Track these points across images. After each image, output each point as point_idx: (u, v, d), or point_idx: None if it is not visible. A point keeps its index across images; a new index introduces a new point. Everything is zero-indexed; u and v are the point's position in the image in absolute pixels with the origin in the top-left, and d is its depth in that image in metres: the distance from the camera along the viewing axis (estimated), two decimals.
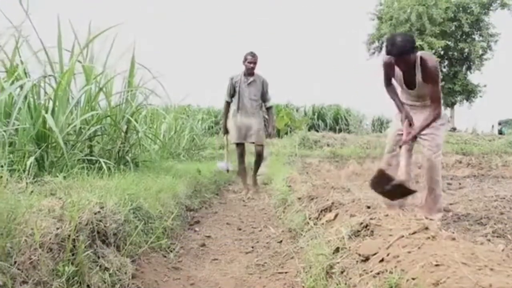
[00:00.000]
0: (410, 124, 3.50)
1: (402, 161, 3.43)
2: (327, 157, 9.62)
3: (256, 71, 5.66)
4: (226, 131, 5.82)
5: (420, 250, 1.35)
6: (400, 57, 3.24)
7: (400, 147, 3.52)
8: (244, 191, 5.70)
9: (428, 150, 3.54)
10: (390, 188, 3.23)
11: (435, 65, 3.31)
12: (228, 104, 5.77)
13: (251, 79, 5.63)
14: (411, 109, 3.58)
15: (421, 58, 3.31)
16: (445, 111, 3.43)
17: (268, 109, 5.90)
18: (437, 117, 3.41)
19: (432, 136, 3.51)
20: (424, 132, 3.47)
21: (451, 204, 5.03)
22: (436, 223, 3.19)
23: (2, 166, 2.16)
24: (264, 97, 5.76)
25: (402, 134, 3.51)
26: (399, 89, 3.65)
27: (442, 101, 3.46)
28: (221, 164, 6.00)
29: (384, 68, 3.54)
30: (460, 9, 21.37)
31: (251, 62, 5.54)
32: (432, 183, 3.60)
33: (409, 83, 3.47)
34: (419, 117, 3.48)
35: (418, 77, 3.37)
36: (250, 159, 6.35)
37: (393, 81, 3.60)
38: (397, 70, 3.45)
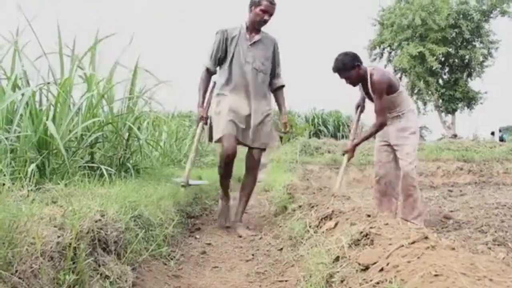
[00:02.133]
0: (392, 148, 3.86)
1: (341, 169, 3.94)
2: (328, 164, 9.62)
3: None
4: (202, 120, 3.69)
5: (419, 259, 1.35)
6: (339, 73, 3.60)
7: (343, 155, 4.00)
8: (220, 219, 3.83)
9: (400, 160, 3.75)
10: None
11: (379, 80, 3.54)
12: (209, 74, 3.69)
13: (257, 37, 3.61)
14: (376, 123, 3.77)
15: (370, 73, 3.59)
16: (417, 120, 3.68)
17: (278, 90, 3.82)
18: (378, 128, 3.71)
19: (402, 146, 3.73)
20: (394, 143, 3.76)
21: (451, 211, 5.03)
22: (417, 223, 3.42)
23: (4, 175, 2.18)
24: (274, 70, 3.74)
25: (386, 145, 3.85)
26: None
27: (385, 113, 3.67)
28: (179, 179, 3.85)
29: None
30: (461, 16, 21.41)
31: (266, 11, 3.50)
32: (407, 190, 3.72)
33: (370, 97, 3.76)
34: (391, 128, 3.76)
35: (370, 90, 3.65)
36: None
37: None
38: (360, 85, 3.79)
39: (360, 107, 4.15)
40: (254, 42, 3.60)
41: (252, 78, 3.57)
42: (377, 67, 3.76)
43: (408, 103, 3.83)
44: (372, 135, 3.83)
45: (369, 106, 3.94)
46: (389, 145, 3.84)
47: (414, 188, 3.71)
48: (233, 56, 3.56)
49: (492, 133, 21.12)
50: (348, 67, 3.55)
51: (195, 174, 5.30)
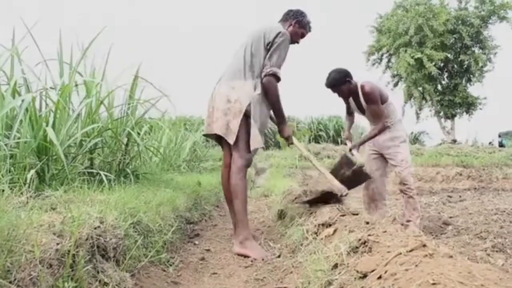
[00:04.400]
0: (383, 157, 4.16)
1: (357, 156, 3.99)
2: (328, 169, 9.61)
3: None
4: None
5: (417, 268, 1.35)
6: (333, 88, 3.88)
7: (350, 150, 4.12)
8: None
9: (396, 167, 4.05)
10: (350, 174, 3.46)
11: (370, 90, 3.83)
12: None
13: None
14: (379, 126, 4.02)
15: (361, 85, 3.87)
16: (405, 129, 4.10)
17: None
18: (379, 131, 3.95)
19: (395, 154, 4.04)
20: (386, 152, 4.07)
21: (451, 217, 5.03)
22: (415, 222, 3.93)
23: (4, 181, 2.18)
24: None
25: (375, 153, 4.17)
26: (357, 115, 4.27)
27: (385, 118, 3.93)
28: None
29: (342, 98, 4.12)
30: (460, 21, 21.48)
31: (305, 37, 3.63)
32: (406, 193, 4.03)
33: (360, 109, 4.05)
34: (383, 137, 4.05)
35: (362, 102, 3.94)
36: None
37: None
38: (351, 99, 4.05)
39: (350, 120, 4.47)
40: None
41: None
42: (367, 80, 3.96)
43: (396, 114, 4.12)
44: (375, 135, 4.00)
45: (358, 117, 4.41)
46: (378, 154, 4.17)
47: (412, 190, 4.01)
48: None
49: (490, 143, 21.07)
50: (340, 83, 3.86)
51: (195, 179, 5.30)
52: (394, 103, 4.11)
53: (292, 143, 3.44)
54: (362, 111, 4.05)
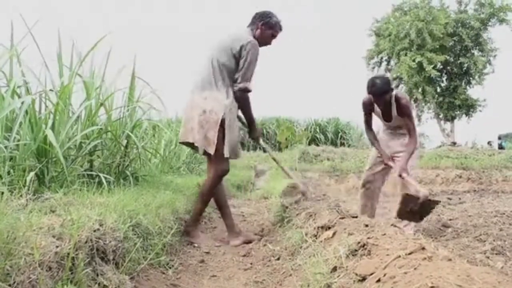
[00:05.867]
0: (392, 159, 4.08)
1: (411, 181, 3.81)
2: (327, 171, 9.63)
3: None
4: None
5: (416, 271, 1.35)
6: (380, 96, 3.84)
7: (402, 177, 3.85)
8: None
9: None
10: (418, 208, 3.61)
11: (407, 103, 3.95)
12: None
13: None
14: (390, 136, 4.23)
15: (396, 96, 3.93)
16: (419, 139, 4.36)
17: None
18: (415, 146, 3.98)
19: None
20: (398, 155, 4.07)
21: (450, 219, 5.03)
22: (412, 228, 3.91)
23: (3, 183, 2.18)
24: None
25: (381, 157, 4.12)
26: (378, 121, 4.27)
27: (416, 131, 4.03)
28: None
29: (364, 106, 4.09)
30: (459, 24, 21.52)
31: (276, 37, 3.65)
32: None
33: (387, 117, 4.09)
34: (396, 142, 4.17)
35: (394, 112, 4.00)
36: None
37: (373, 115, 4.17)
38: (376, 106, 4.07)
39: (373, 133, 4.29)
40: None
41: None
42: (399, 91, 4.10)
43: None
44: (411, 155, 3.89)
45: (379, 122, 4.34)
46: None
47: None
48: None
49: (489, 143, 21.08)
50: (389, 90, 3.85)
51: (194, 180, 5.30)
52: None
53: (259, 144, 3.72)
54: (387, 119, 4.07)
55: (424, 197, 3.59)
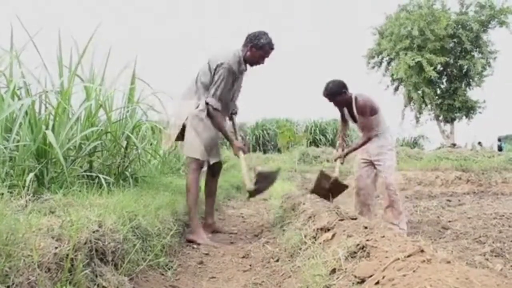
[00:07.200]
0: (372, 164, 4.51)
1: (336, 169, 4.57)
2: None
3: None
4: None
5: (415, 273, 1.35)
6: (333, 98, 4.23)
7: (335, 160, 4.74)
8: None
9: (382, 172, 4.41)
10: (329, 186, 4.36)
11: (363, 104, 4.23)
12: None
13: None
14: (364, 138, 4.48)
15: (355, 97, 4.25)
16: (392, 138, 5.03)
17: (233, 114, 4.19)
18: (365, 141, 4.40)
19: (383, 161, 4.40)
20: (375, 158, 4.42)
21: (450, 221, 5.04)
22: (400, 226, 4.23)
23: (3, 182, 2.18)
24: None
25: (366, 161, 4.50)
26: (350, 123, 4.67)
27: (372, 130, 4.37)
28: None
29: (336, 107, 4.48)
30: (459, 26, 21.50)
31: (267, 58, 3.80)
32: (390, 197, 4.36)
33: (353, 118, 4.42)
34: (373, 145, 4.42)
35: (355, 112, 4.31)
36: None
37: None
38: (345, 108, 4.43)
39: (344, 125, 4.83)
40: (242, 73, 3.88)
41: (231, 106, 3.99)
42: (361, 93, 4.35)
43: (384, 124, 4.50)
44: (360, 146, 4.49)
45: (350, 125, 4.83)
46: (368, 161, 4.50)
47: (396, 195, 4.35)
48: (230, 88, 3.78)
49: (479, 143, 21.08)
50: (336, 93, 4.19)
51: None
52: (383, 114, 4.46)
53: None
54: (354, 120, 4.45)
55: (333, 178, 4.37)
